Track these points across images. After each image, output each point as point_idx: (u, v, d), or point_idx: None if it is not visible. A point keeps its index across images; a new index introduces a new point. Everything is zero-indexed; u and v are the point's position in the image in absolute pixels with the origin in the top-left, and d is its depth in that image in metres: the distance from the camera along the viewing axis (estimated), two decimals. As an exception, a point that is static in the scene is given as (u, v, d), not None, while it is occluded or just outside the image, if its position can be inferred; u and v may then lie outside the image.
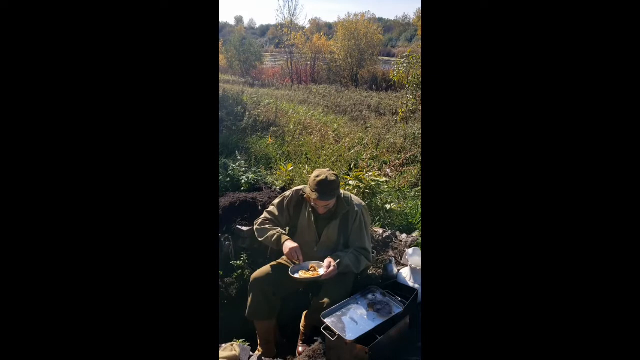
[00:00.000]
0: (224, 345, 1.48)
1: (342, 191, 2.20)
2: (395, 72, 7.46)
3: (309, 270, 2.03)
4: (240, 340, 1.82)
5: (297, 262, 2.04)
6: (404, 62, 6.92)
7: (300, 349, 2.20)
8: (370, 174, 3.32)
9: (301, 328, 2.27)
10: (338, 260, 1.99)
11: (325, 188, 1.99)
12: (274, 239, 2.10)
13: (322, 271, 1.96)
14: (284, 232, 2.15)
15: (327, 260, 2.00)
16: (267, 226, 2.16)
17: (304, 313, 2.27)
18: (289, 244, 2.06)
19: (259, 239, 2.17)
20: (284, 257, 2.17)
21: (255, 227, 2.21)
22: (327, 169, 2.09)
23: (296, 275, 1.98)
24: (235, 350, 1.41)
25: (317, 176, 2.02)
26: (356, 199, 2.22)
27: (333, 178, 2.02)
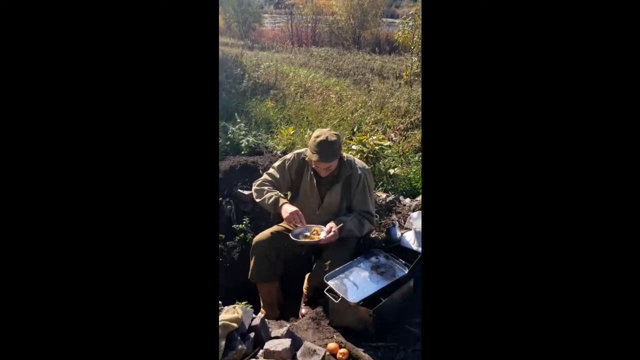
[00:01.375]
0: (226, 307, 1.47)
1: (345, 154, 2.13)
2: (400, 33, 7.16)
3: (310, 233, 2.00)
4: (243, 303, 1.82)
5: (298, 226, 2.00)
6: (409, 20, 6.62)
7: (303, 310, 2.21)
8: (374, 137, 3.24)
9: (304, 290, 2.28)
10: (340, 225, 1.95)
11: (326, 149, 1.91)
12: (271, 201, 2.02)
13: (323, 235, 1.93)
14: (282, 195, 2.08)
15: (329, 224, 1.96)
16: (265, 188, 2.08)
17: (307, 275, 2.26)
18: (287, 208, 1.98)
19: (256, 200, 2.10)
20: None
21: (253, 187, 2.14)
22: (328, 129, 2.00)
23: (297, 239, 1.95)
24: (237, 313, 1.39)
25: (317, 136, 1.93)
26: (359, 162, 2.15)
27: (334, 138, 1.93)
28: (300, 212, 1.98)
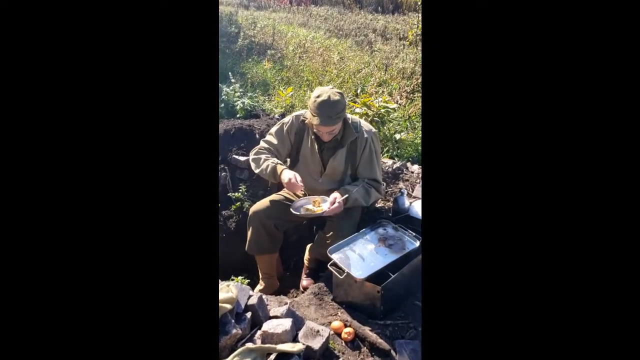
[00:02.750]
0: (219, 285, 1.32)
1: (349, 115, 1.92)
2: (405, -11, 6.69)
3: (312, 205, 1.83)
4: (239, 278, 1.68)
5: (300, 193, 1.83)
6: (415, -25, 6.16)
7: (304, 282, 2.09)
8: (380, 99, 3.00)
9: (305, 261, 2.15)
10: (346, 196, 1.78)
11: (329, 110, 1.69)
12: (269, 169, 1.83)
13: (325, 206, 1.76)
14: (280, 162, 1.89)
15: (333, 195, 1.78)
16: (262, 156, 1.89)
17: (308, 246, 2.13)
18: (287, 174, 1.79)
19: (255, 171, 1.92)
20: (286, 189, 1.96)
21: (250, 157, 1.95)
22: (330, 87, 1.77)
23: (298, 212, 1.79)
24: (231, 292, 1.24)
25: (318, 96, 1.71)
26: (366, 125, 1.95)
27: (337, 98, 1.71)
28: (297, 177, 1.78)
